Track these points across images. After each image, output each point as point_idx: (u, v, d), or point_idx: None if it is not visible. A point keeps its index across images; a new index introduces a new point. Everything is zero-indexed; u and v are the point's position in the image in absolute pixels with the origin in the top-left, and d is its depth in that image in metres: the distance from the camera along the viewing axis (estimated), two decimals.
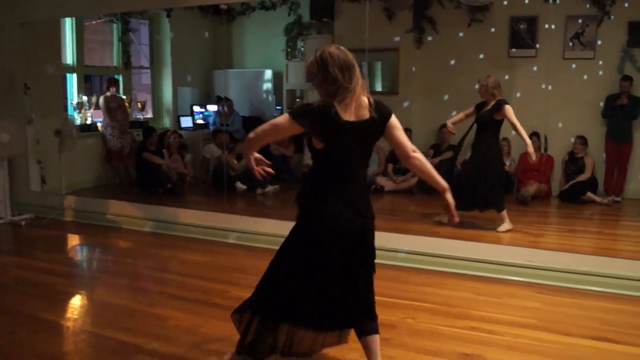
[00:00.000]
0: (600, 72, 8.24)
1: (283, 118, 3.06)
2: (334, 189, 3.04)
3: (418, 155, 3.08)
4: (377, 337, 3.18)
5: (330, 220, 3.03)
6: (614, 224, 7.05)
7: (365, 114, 2.99)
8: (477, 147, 6.51)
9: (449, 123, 6.62)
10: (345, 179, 3.04)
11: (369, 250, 3.23)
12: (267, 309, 3.16)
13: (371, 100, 3.06)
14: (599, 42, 8.23)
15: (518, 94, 8.62)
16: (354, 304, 3.17)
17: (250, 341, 3.20)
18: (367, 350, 3.16)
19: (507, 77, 8.63)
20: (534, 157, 6.58)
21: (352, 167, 3.06)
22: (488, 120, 6.33)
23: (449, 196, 3.08)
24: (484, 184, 6.29)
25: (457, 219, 3.14)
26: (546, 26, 8.37)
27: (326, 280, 3.08)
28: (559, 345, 3.67)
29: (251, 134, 3.24)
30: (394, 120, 3.10)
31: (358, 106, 2.99)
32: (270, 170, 3.35)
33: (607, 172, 8.20)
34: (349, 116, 2.96)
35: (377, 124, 3.03)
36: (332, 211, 3.02)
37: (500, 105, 6.26)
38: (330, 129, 2.95)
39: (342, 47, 3.03)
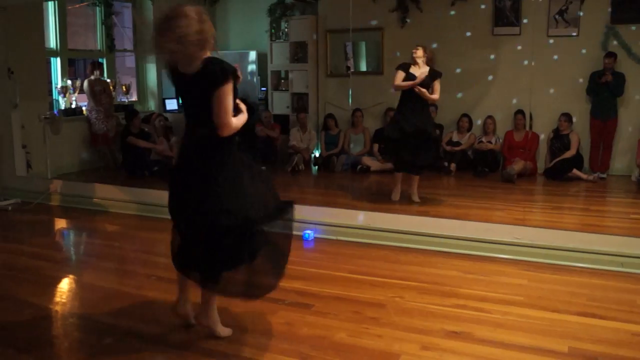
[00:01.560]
0: (584, 49, 8.26)
1: None
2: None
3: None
4: None
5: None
6: (599, 201, 7.11)
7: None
8: (424, 112, 6.55)
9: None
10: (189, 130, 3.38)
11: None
12: None
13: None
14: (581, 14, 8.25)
15: (502, 72, 8.64)
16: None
17: None
18: None
19: (491, 55, 8.66)
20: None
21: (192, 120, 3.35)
22: (427, 85, 6.47)
23: None
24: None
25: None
26: (533, 1, 8.37)
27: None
28: (547, 322, 3.70)
29: None
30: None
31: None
32: None
33: (592, 149, 8.25)
34: (186, 69, 3.17)
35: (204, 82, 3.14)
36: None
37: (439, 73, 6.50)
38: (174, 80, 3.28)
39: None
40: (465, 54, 8.74)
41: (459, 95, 8.90)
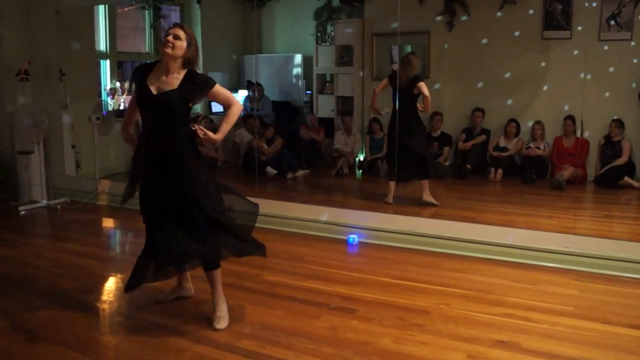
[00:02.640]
0: (638, 54, 8.04)
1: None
2: None
3: None
4: None
5: None
6: None
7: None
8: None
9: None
10: None
11: None
12: None
13: None
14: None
15: (552, 77, 8.47)
16: None
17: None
18: None
19: (540, 59, 8.50)
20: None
21: None
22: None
23: None
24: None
25: None
26: (585, 5, 8.18)
27: None
28: (597, 334, 3.60)
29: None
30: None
31: None
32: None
33: None
34: None
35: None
36: None
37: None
38: None
39: None
40: (513, 58, 8.59)
41: (507, 100, 8.76)
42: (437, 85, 9.03)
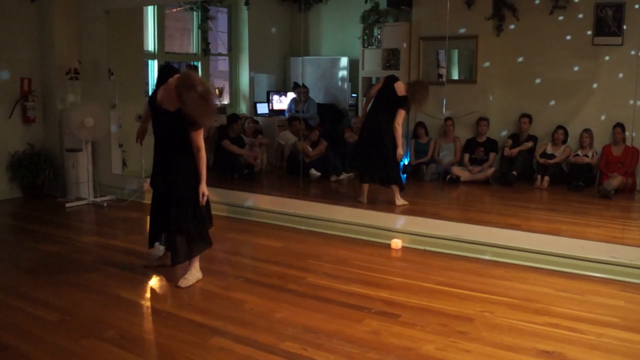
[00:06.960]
0: None
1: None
2: None
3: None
4: None
5: None
6: None
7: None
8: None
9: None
10: None
11: None
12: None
13: None
14: None
15: (602, 84, 8.30)
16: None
17: None
18: None
19: (591, 66, 8.33)
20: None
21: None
22: None
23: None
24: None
25: None
26: (637, 11, 7.98)
27: None
28: None
29: None
30: None
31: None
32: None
33: None
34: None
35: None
36: None
37: None
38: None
39: None
40: (562, 64, 8.45)
41: (555, 106, 8.61)
42: (484, 90, 8.94)
